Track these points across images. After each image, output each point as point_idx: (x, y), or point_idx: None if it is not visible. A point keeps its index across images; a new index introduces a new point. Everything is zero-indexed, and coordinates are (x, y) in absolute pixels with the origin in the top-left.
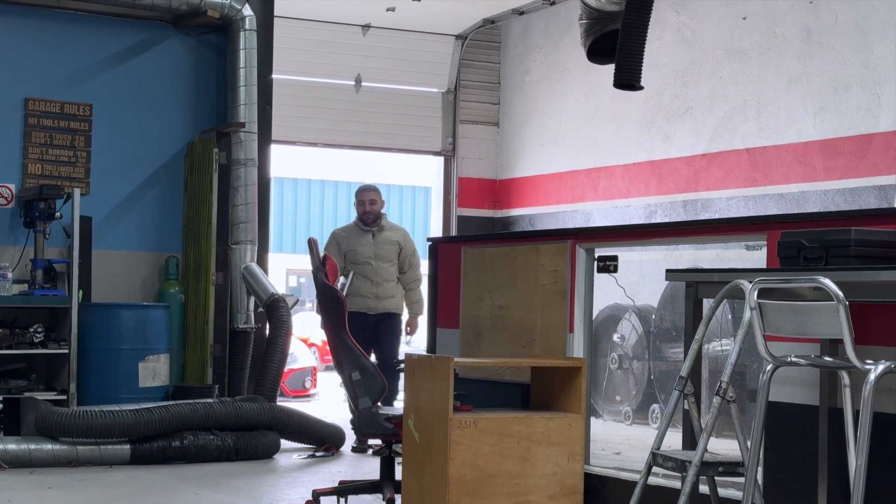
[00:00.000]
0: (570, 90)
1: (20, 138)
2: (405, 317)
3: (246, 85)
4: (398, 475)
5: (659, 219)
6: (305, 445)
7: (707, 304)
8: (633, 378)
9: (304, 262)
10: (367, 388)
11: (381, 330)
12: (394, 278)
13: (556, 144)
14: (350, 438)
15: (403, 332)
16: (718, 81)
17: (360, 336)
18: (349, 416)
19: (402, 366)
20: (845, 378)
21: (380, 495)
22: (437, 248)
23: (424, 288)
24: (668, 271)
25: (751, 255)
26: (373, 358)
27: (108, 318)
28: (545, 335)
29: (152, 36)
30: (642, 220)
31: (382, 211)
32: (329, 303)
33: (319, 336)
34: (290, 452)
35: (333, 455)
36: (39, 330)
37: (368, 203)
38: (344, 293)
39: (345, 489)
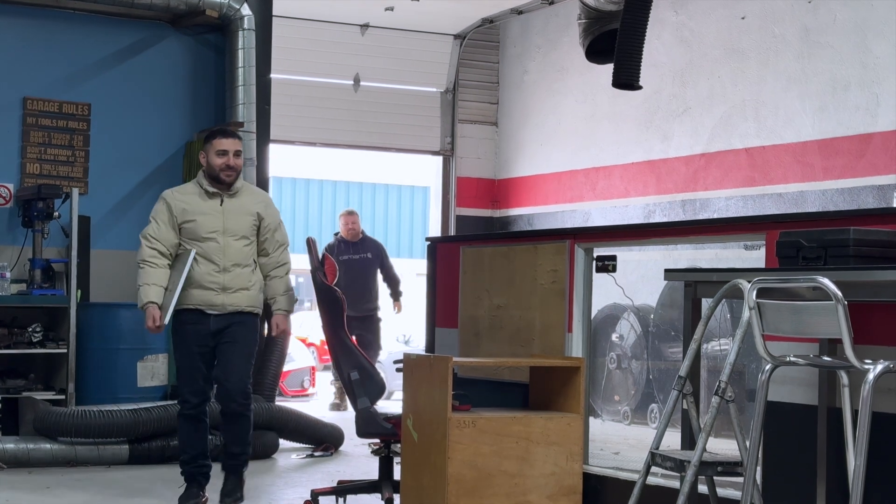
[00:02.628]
0: (569, 90)
1: (18, 138)
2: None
3: (244, 84)
4: (397, 475)
5: (657, 218)
6: (304, 445)
7: (706, 303)
8: (632, 378)
9: (303, 262)
10: (365, 388)
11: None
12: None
13: (555, 144)
14: (349, 440)
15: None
16: (717, 81)
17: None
18: (342, 414)
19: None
20: (844, 378)
21: (378, 495)
22: (436, 247)
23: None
24: (666, 271)
25: (749, 254)
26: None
27: (106, 317)
28: (544, 335)
29: (151, 35)
30: (641, 219)
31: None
32: (328, 302)
33: (318, 336)
34: (289, 452)
35: (332, 455)
36: (38, 329)
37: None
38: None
39: (343, 489)
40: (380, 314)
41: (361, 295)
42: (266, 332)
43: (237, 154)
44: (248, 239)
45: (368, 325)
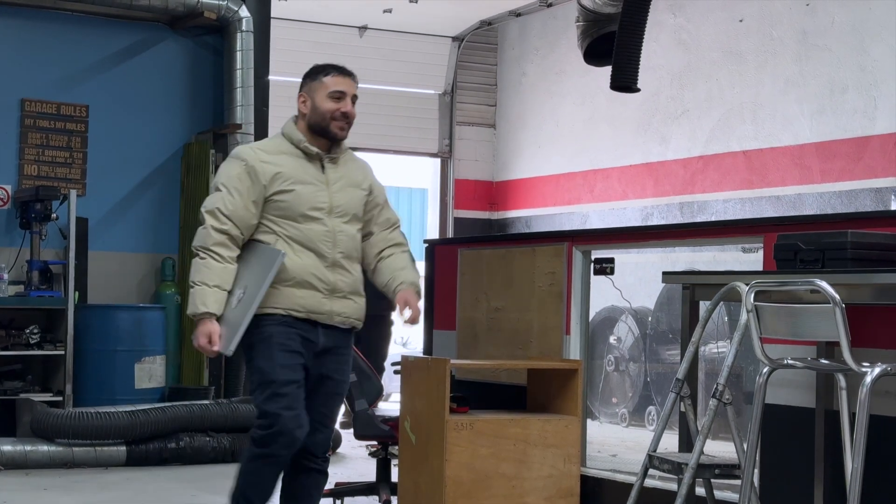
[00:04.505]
0: (567, 92)
1: (16, 139)
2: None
3: (243, 86)
4: (394, 477)
5: (655, 221)
6: None
7: (703, 306)
8: (630, 380)
9: None
10: (363, 390)
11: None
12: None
13: (553, 146)
14: (347, 442)
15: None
16: (715, 84)
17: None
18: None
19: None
20: (842, 381)
21: (376, 497)
22: (434, 249)
23: None
24: (664, 274)
25: (747, 257)
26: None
27: (104, 319)
28: (542, 337)
29: (149, 37)
30: (639, 222)
31: None
32: None
33: None
34: None
35: (329, 457)
36: (35, 331)
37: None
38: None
39: (341, 491)
40: (394, 316)
41: (371, 294)
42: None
43: (354, 101)
44: (360, 222)
45: (379, 327)
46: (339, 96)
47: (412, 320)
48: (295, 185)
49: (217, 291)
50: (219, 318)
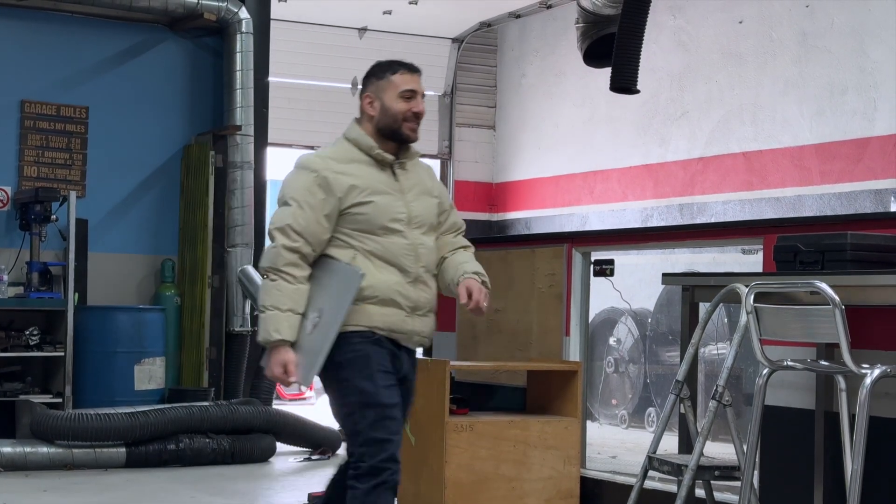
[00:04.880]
0: (567, 93)
1: (16, 140)
2: None
3: (242, 88)
4: None
5: (655, 222)
6: (301, 449)
7: (703, 307)
8: (630, 382)
9: None
10: None
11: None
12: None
13: (553, 148)
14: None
15: None
16: (714, 85)
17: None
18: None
19: None
20: (841, 382)
21: None
22: None
23: None
24: (664, 275)
25: (747, 258)
26: None
27: (103, 320)
28: (541, 338)
29: (149, 38)
30: (638, 223)
31: None
32: None
33: None
34: (286, 456)
35: (329, 458)
36: (35, 333)
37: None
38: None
39: None
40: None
41: None
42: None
43: (422, 99)
44: (435, 232)
45: None
46: (409, 95)
47: (475, 308)
48: (373, 197)
49: (291, 316)
50: (292, 344)
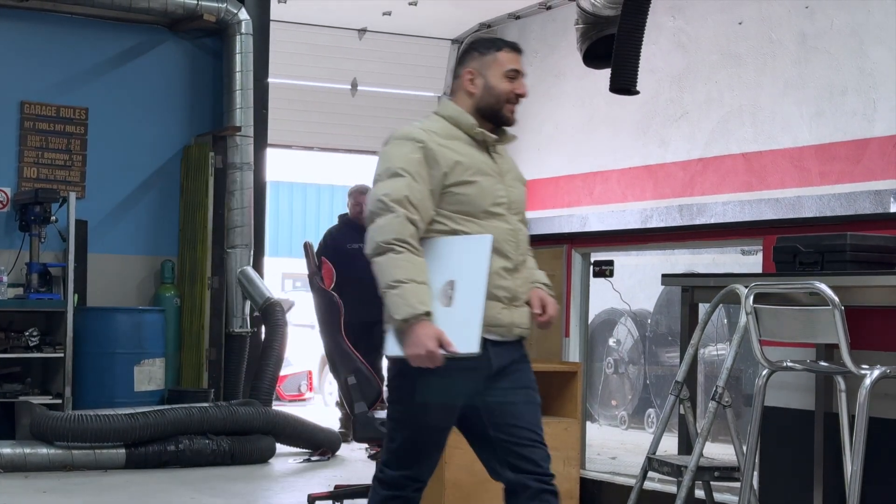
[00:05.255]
0: (566, 94)
1: (16, 142)
2: None
3: (242, 89)
4: None
5: (654, 223)
6: (301, 450)
7: (703, 308)
8: (629, 382)
9: (300, 267)
10: (362, 393)
11: None
12: None
13: (552, 149)
14: (346, 445)
15: None
16: (714, 86)
17: None
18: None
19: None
20: (841, 383)
21: None
22: None
23: None
24: (664, 276)
25: (746, 259)
26: None
27: (103, 321)
28: (541, 339)
29: (148, 40)
30: (638, 224)
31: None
32: (325, 308)
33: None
34: (286, 457)
35: (329, 459)
36: (35, 334)
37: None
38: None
39: (340, 493)
40: None
41: (373, 297)
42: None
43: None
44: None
45: (380, 337)
46: (514, 76)
47: (545, 322)
48: (477, 177)
49: (427, 288)
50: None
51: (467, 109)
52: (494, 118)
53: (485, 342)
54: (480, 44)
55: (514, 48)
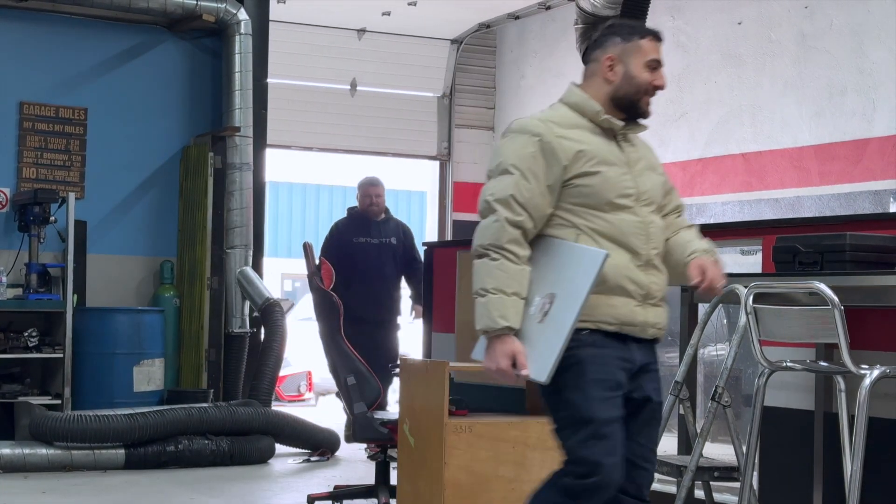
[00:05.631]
0: None
1: (15, 142)
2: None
3: (241, 89)
4: (393, 480)
5: None
6: (300, 450)
7: (702, 308)
8: None
9: (300, 267)
10: (361, 393)
11: None
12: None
13: None
14: (346, 445)
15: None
16: (714, 86)
17: None
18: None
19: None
20: (841, 383)
21: (375, 500)
22: (433, 252)
23: None
24: None
25: (746, 259)
26: None
27: (102, 322)
28: None
29: (147, 40)
30: None
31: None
32: (324, 308)
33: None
34: (286, 457)
35: (328, 460)
36: (34, 334)
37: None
38: None
39: (340, 494)
40: (398, 322)
41: (380, 295)
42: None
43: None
44: (660, 212)
45: (385, 334)
46: (655, 66)
47: (709, 287)
48: (601, 167)
49: (517, 301)
50: (516, 333)
51: (601, 97)
52: (630, 109)
53: (625, 337)
54: (622, 29)
55: (657, 36)
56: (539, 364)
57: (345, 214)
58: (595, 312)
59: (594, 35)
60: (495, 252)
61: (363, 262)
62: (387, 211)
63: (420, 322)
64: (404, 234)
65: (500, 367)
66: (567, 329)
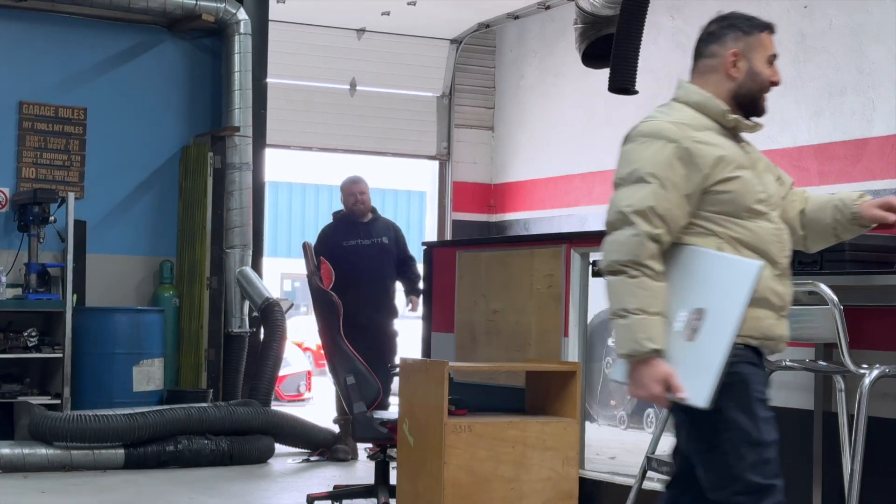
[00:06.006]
0: (565, 94)
1: (14, 142)
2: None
3: (241, 89)
4: (393, 480)
5: None
6: (300, 450)
7: None
8: None
9: (299, 267)
10: (361, 393)
11: None
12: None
13: (551, 149)
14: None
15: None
16: None
17: None
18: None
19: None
20: (840, 382)
21: (374, 500)
22: (432, 252)
23: None
24: None
25: None
26: None
27: (102, 322)
28: (540, 339)
29: (147, 40)
30: None
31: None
32: (324, 308)
33: (314, 340)
34: (285, 457)
35: (328, 459)
36: (33, 334)
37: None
38: None
39: (339, 494)
40: (396, 326)
41: (374, 296)
42: None
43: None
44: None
45: (382, 338)
46: (773, 61)
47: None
48: (739, 171)
49: (660, 321)
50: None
51: (722, 94)
52: (750, 107)
53: (757, 352)
54: (741, 21)
55: (773, 29)
56: (696, 386)
57: (330, 220)
58: (742, 327)
59: (708, 28)
60: (634, 269)
61: (357, 265)
62: (374, 210)
63: (417, 317)
64: (395, 232)
65: (652, 393)
66: (725, 346)
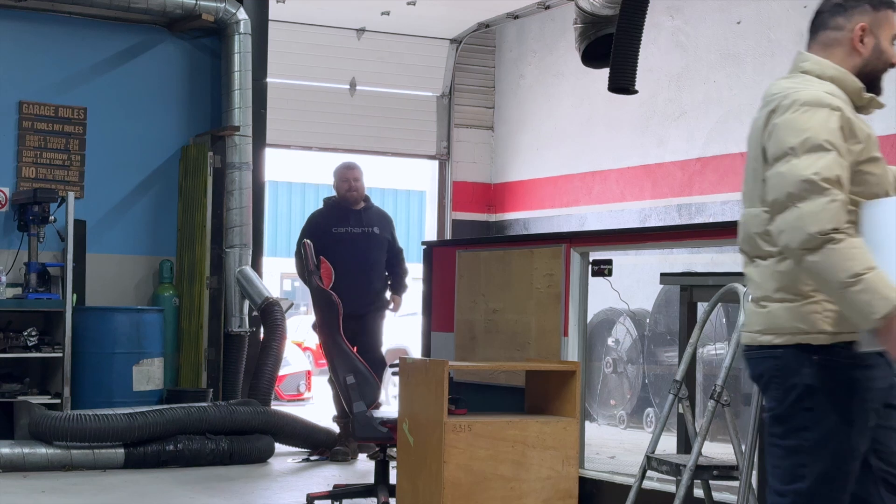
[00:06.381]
0: (565, 94)
1: (14, 141)
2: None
3: (240, 88)
4: (393, 479)
5: (653, 223)
6: (300, 449)
7: (702, 307)
8: (628, 382)
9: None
10: (361, 392)
11: None
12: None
13: (551, 148)
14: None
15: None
16: (713, 85)
17: None
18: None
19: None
20: None
21: (374, 499)
22: (432, 251)
23: None
24: (662, 275)
25: None
26: None
27: (102, 321)
28: (540, 339)
29: (147, 39)
30: (636, 224)
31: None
32: (323, 307)
33: (314, 340)
34: (285, 456)
35: (328, 459)
36: (33, 333)
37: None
38: None
39: (339, 493)
40: (382, 318)
41: (363, 287)
42: None
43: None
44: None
45: (369, 324)
46: (895, 41)
47: None
48: (875, 151)
49: (884, 273)
50: None
51: (848, 70)
52: (870, 86)
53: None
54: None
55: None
56: None
57: (321, 205)
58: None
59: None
60: (839, 234)
61: (344, 254)
62: (367, 199)
63: (398, 315)
64: (387, 223)
65: None
66: None
